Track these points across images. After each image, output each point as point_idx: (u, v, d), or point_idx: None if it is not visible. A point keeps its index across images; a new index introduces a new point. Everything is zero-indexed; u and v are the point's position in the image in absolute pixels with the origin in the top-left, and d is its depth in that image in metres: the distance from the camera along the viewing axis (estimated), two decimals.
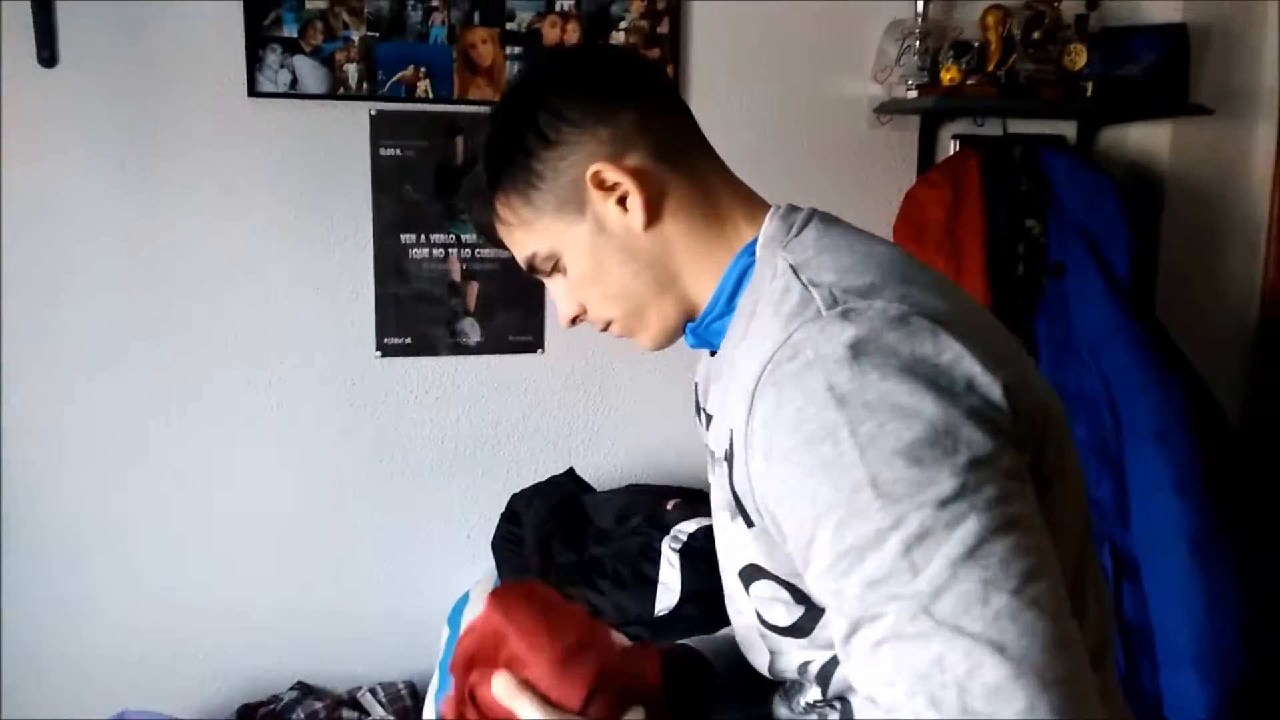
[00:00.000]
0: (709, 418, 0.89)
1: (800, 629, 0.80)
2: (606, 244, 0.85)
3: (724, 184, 0.88)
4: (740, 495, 0.77)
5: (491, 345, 2.11)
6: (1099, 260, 2.09)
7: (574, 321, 0.92)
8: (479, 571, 2.08)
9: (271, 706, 1.98)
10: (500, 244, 0.93)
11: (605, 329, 0.92)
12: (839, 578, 0.66)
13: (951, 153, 2.28)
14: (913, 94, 2.14)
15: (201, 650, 2.04)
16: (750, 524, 0.77)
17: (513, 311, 2.11)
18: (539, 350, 2.14)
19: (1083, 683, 0.62)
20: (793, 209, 0.86)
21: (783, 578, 0.78)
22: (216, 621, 2.04)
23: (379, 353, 2.06)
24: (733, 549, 0.83)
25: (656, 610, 1.59)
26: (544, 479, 2.01)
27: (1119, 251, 2.10)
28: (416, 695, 2.00)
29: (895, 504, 0.64)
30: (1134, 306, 2.06)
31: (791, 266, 0.78)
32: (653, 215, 0.84)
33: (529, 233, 0.88)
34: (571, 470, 2.04)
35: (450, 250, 2.07)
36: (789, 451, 0.69)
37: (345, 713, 1.94)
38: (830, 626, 0.71)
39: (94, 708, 1.90)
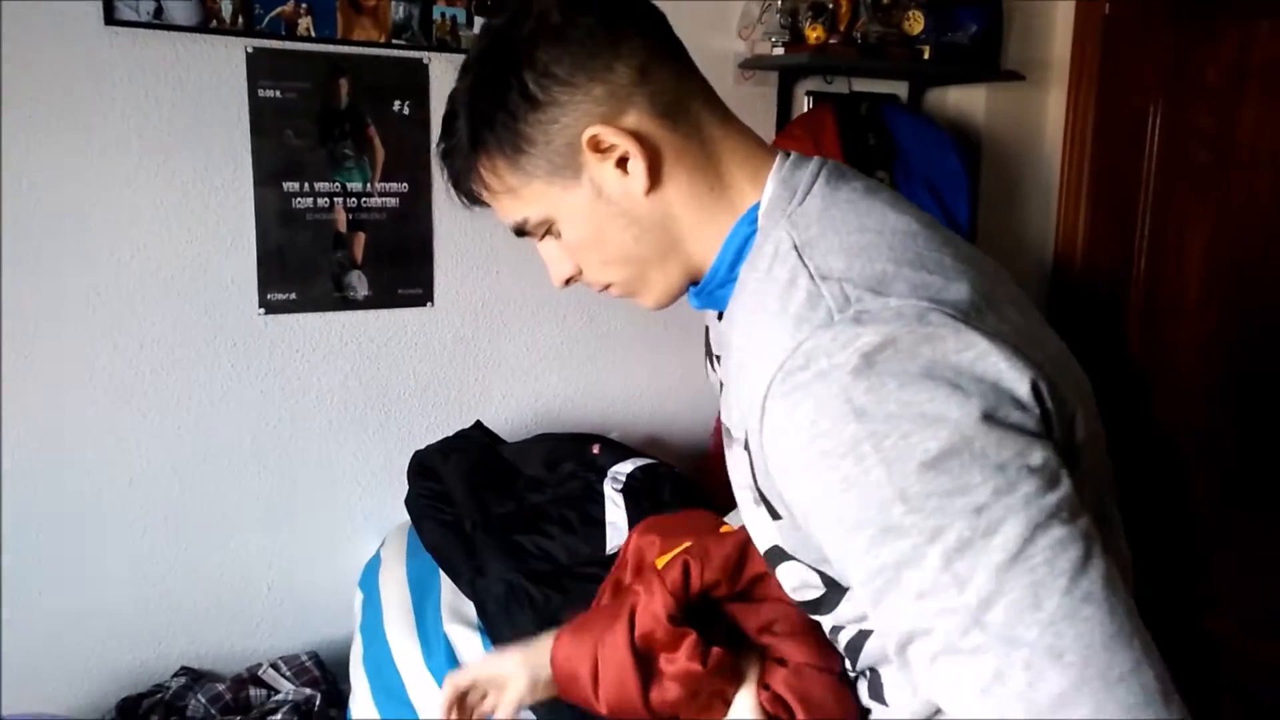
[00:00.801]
0: (721, 384, 0.88)
1: (827, 603, 0.81)
2: (605, 209, 0.80)
3: (726, 137, 0.82)
4: (764, 490, 0.76)
5: (380, 299, 2.03)
6: (943, 209, 2.33)
7: (568, 282, 0.88)
8: (379, 535, 2.02)
9: (158, 696, 1.82)
10: (480, 206, 0.86)
11: (604, 290, 0.87)
12: (880, 594, 0.64)
13: (807, 109, 2.43)
14: (779, 51, 2.26)
15: (71, 644, 1.84)
16: (776, 516, 0.76)
17: (401, 264, 2.04)
18: (428, 303, 2.08)
19: (1148, 666, 0.59)
20: (798, 164, 0.81)
21: (810, 564, 0.78)
22: (86, 608, 1.85)
23: (262, 309, 1.92)
24: (758, 531, 0.82)
25: (608, 549, 1.63)
26: (450, 434, 1.97)
27: (960, 201, 2.34)
28: (323, 666, 1.91)
29: (929, 517, 0.61)
30: None
31: (795, 247, 0.74)
32: (655, 178, 0.79)
33: (518, 200, 0.82)
34: (479, 423, 2.01)
35: (335, 200, 1.96)
36: (808, 467, 0.66)
37: (252, 691, 1.83)
38: (855, 600, 0.73)
39: None
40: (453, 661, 1.57)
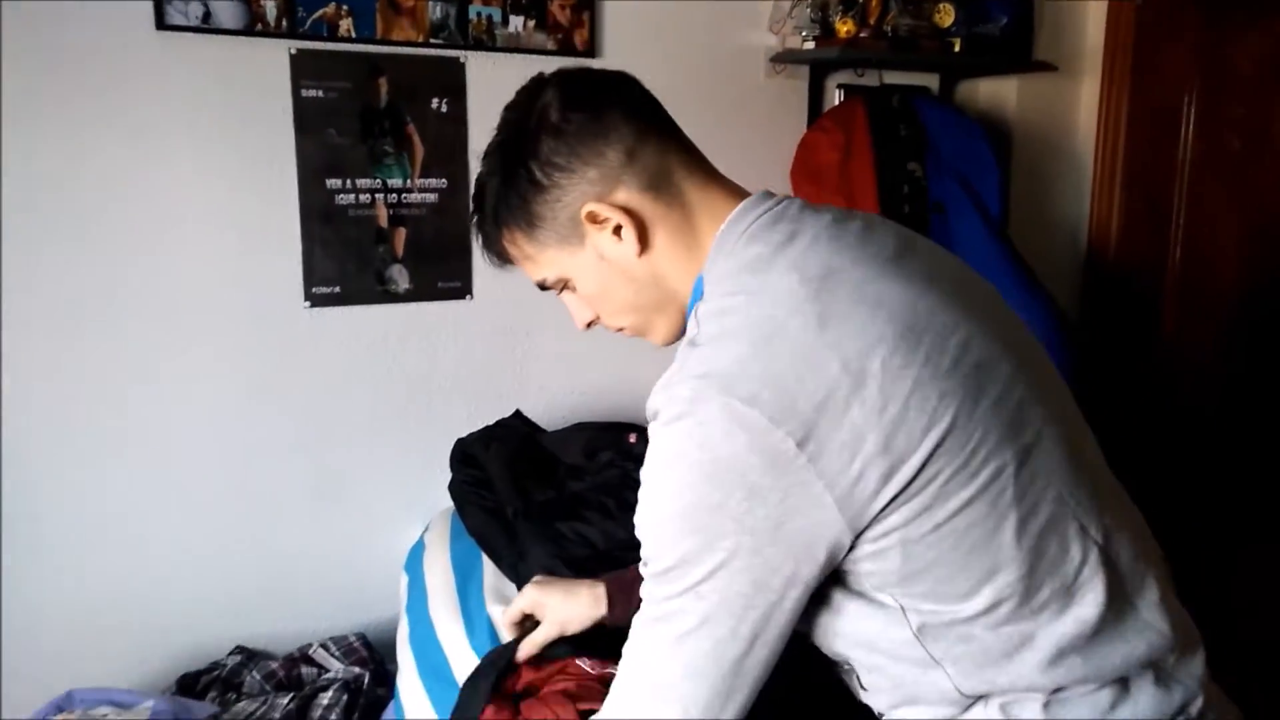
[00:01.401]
0: None
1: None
2: (608, 269, 0.96)
3: (702, 200, 0.95)
4: None
5: (420, 292, 2.09)
6: (973, 198, 2.34)
7: (589, 325, 1.05)
8: (423, 519, 2.08)
9: (215, 673, 1.90)
10: (509, 264, 1.03)
11: (619, 330, 1.04)
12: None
13: (838, 101, 2.46)
14: (809, 45, 2.29)
15: (134, 622, 1.92)
16: None
17: (441, 258, 2.10)
18: (467, 296, 2.13)
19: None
20: (740, 218, 0.92)
21: None
22: (147, 591, 1.93)
23: (308, 303, 1.98)
24: None
25: None
26: (490, 423, 2.02)
27: (991, 190, 2.36)
28: (370, 646, 1.98)
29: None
30: (1005, 238, 2.34)
31: (695, 306, 0.91)
32: (644, 243, 0.94)
33: (536, 264, 0.99)
34: (519, 412, 2.06)
35: (376, 195, 2.02)
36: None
37: (303, 669, 1.89)
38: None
39: (33, 693, 1.75)
40: (495, 640, 1.62)
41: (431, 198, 2.06)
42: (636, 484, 1.77)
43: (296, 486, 2.03)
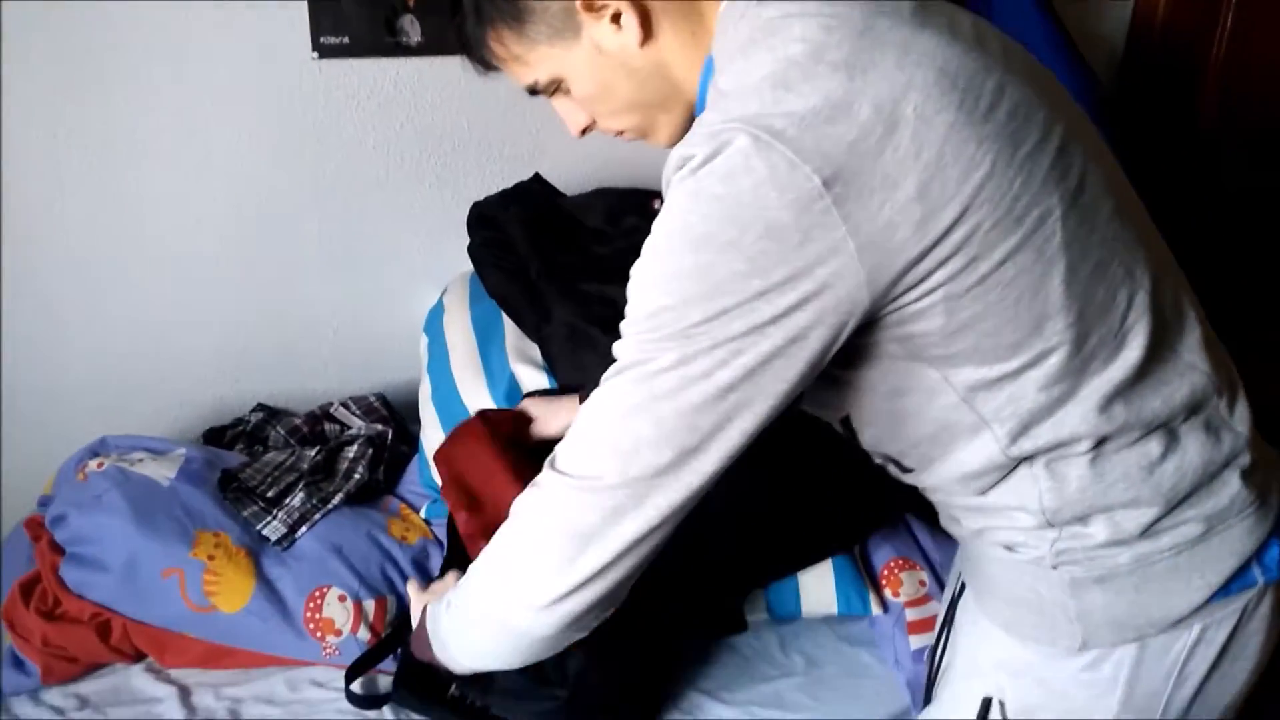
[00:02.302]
0: None
1: None
2: (606, 63, 0.88)
3: None
4: None
5: (432, 46, 1.98)
6: None
7: (584, 132, 0.98)
8: (436, 284, 2.06)
9: (239, 428, 1.94)
10: (494, 70, 0.95)
11: (618, 135, 0.98)
12: None
13: None
14: None
15: (156, 380, 1.95)
16: None
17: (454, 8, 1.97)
18: None
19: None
20: (735, 3, 0.84)
21: None
22: (167, 352, 1.95)
23: (315, 53, 1.88)
24: None
25: None
26: (508, 187, 1.97)
27: None
28: (390, 405, 2.01)
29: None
30: (1048, 8, 2.21)
31: (713, 73, 0.83)
32: (647, 30, 0.86)
33: (526, 65, 0.91)
34: (538, 175, 2.01)
35: None
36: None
37: (326, 425, 1.94)
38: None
39: (62, 439, 1.80)
40: (517, 394, 1.64)
41: None
42: None
43: (310, 246, 2.00)
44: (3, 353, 1.83)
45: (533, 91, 0.94)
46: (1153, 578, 0.88)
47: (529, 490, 0.89)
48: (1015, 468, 0.88)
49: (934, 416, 0.87)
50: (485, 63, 0.94)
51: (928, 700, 1.17)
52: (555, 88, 0.93)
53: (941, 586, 1.61)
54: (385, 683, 1.47)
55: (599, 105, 0.93)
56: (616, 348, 0.83)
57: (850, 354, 0.83)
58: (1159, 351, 0.86)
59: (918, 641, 1.52)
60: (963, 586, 1.08)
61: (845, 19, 0.79)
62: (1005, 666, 0.97)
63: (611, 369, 0.82)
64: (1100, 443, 0.85)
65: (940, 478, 0.93)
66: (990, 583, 0.98)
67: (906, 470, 0.96)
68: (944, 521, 1.04)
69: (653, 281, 0.79)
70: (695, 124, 0.81)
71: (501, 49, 0.91)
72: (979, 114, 0.77)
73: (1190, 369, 0.88)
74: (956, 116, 0.76)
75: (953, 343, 0.81)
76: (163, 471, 1.57)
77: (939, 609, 1.61)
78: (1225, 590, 0.89)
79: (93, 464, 1.58)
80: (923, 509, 1.27)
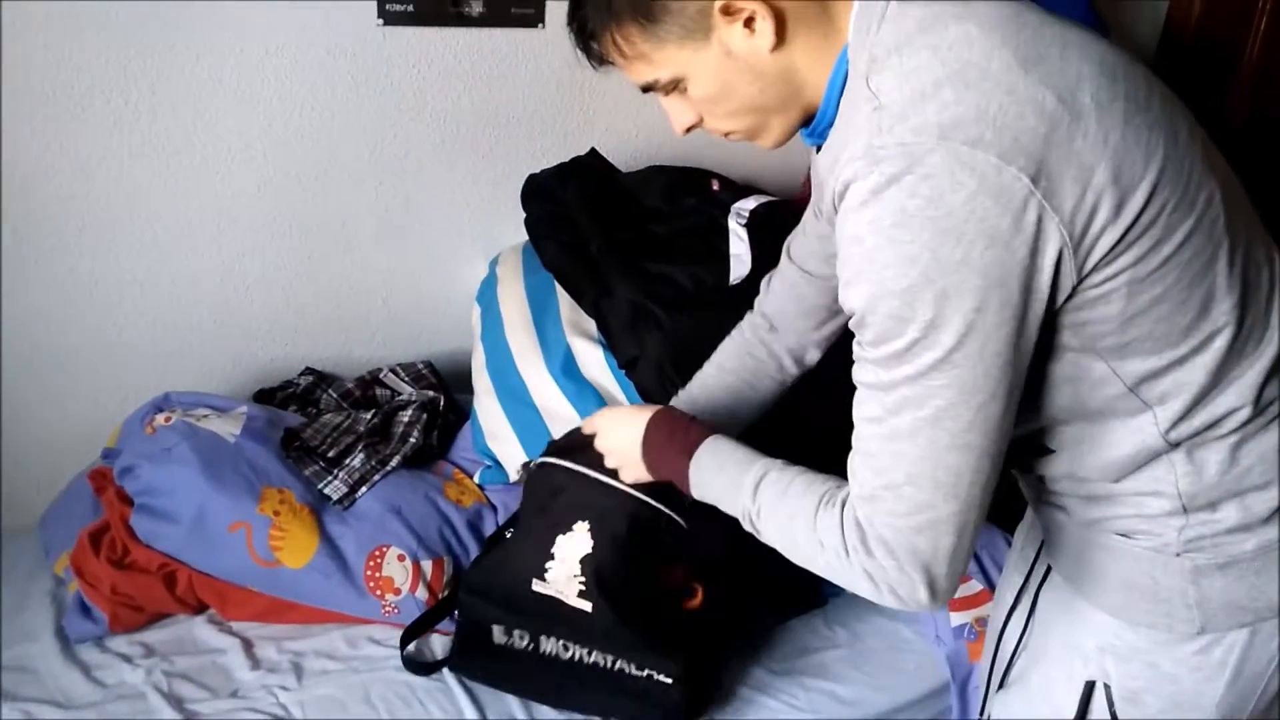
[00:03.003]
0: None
1: None
2: (734, 66, 0.87)
3: None
4: None
5: (493, 17, 1.99)
6: None
7: (689, 130, 0.97)
8: (485, 255, 2.08)
9: (290, 390, 1.96)
10: (606, 66, 0.94)
11: (725, 135, 0.96)
12: None
13: None
14: None
15: (211, 339, 1.97)
16: None
17: None
18: (540, 24, 2.04)
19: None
20: (871, 4, 0.83)
21: None
22: (223, 312, 1.96)
23: (380, 20, 1.89)
24: None
25: (732, 280, 1.69)
26: (564, 160, 1.99)
27: None
28: (437, 373, 2.04)
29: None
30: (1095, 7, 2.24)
31: (865, 76, 0.81)
32: (780, 35, 0.85)
33: (649, 64, 0.90)
34: (595, 150, 2.02)
35: None
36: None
37: (376, 391, 1.96)
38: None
39: (117, 395, 1.83)
40: (573, 366, 1.67)
41: None
42: (724, 231, 1.79)
43: (364, 212, 2.01)
44: (64, 309, 1.85)
45: (646, 89, 0.93)
46: (1273, 563, 0.90)
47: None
48: (1161, 455, 0.89)
49: (1096, 407, 0.89)
50: (601, 58, 0.93)
51: (990, 680, 1.20)
52: (673, 87, 0.92)
53: (980, 567, 1.66)
54: (439, 646, 1.51)
55: (716, 107, 0.92)
56: (874, 378, 0.81)
57: None
58: None
59: (958, 619, 1.57)
60: (1047, 570, 1.10)
61: (998, 16, 0.80)
62: (1112, 650, 0.97)
63: (883, 407, 0.81)
64: (1245, 424, 0.88)
65: (1079, 463, 0.93)
66: (1097, 569, 0.98)
67: (1044, 452, 0.97)
68: (1041, 511, 1.05)
69: (886, 316, 0.77)
70: (855, 127, 0.81)
71: (627, 46, 0.89)
72: (1141, 102, 0.80)
73: None
74: (1127, 106, 0.79)
75: (1127, 329, 0.83)
76: (227, 428, 1.60)
77: (978, 587, 1.66)
78: None
79: (159, 418, 1.60)
80: None
